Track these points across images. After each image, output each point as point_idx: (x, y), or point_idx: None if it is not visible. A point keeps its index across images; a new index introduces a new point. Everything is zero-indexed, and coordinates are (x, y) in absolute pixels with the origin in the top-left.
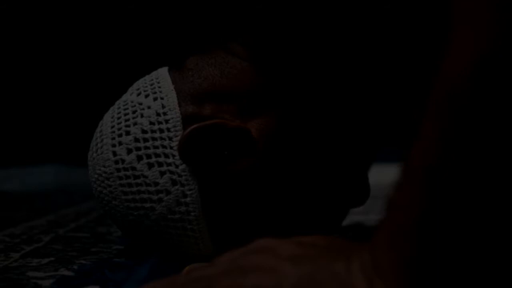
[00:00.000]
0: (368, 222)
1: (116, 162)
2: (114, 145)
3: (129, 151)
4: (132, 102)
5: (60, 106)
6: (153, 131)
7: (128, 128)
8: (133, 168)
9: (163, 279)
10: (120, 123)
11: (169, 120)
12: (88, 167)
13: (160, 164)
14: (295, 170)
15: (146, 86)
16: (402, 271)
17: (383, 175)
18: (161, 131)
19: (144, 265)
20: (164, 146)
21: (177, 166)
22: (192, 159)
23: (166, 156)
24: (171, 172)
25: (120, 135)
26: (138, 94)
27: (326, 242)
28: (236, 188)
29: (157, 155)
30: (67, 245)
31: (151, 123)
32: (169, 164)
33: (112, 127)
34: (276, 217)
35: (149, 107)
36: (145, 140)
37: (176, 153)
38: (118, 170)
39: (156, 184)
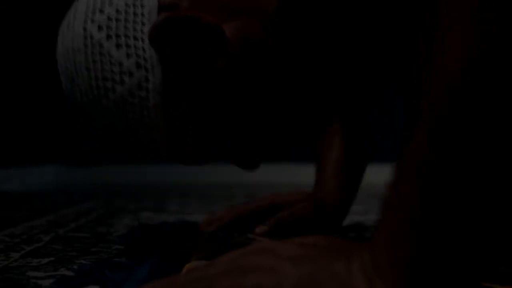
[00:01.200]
0: (368, 222)
1: (85, 38)
2: (86, 21)
3: (100, 29)
4: None
5: (60, 106)
6: (127, 13)
7: (103, 7)
8: (101, 46)
9: (163, 279)
10: (96, 1)
11: (145, 5)
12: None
13: (128, 46)
14: (264, 80)
15: None
16: (401, 271)
17: (382, 175)
18: (135, 15)
19: (144, 265)
20: (135, 30)
21: (145, 51)
22: (161, 48)
23: (136, 39)
24: (138, 56)
25: (94, 13)
26: None
27: (326, 242)
28: (201, 86)
29: (127, 37)
30: (67, 245)
31: (127, 5)
32: (137, 48)
33: (88, 4)
34: (236, 124)
35: None
36: (118, 20)
37: (146, 39)
38: (86, 46)
39: (121, 64)
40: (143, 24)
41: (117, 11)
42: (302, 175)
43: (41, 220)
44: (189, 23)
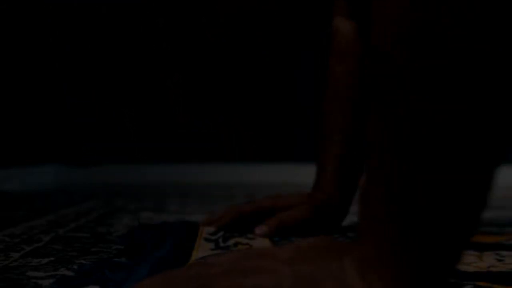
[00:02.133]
0: None
1: None
2: None
3: None
4: None
5: (60, 106)
6: None
7: None
8: None
9: (162, 274)
10: None
11: None
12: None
13: None
14: None
15: None
16: (388, 261)
17: None
18: None
19: (144, 265)
20: None
21: None
22: None
23: None
24: None
25: None
26: None
27: (323, 244)
28: None
29: None
30: (67, 245)
31: None
32: None
33: None
34: None
35: None
36: None
37: None
38: None
39: None
40: None
41: None
42: (302, 175)
43: (41, 220)
44: None
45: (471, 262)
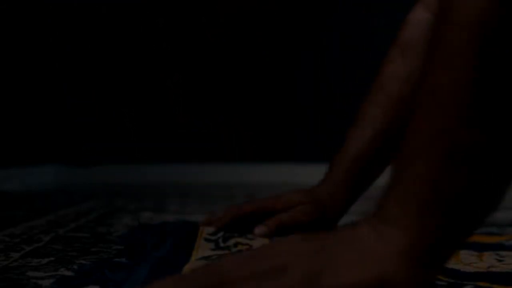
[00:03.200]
0: None
1: None
2: None
3: None
4: None
5: (60, 106)
6: None
7: None
8: None
9: (172, 276)
10: None
11: None
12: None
13: None
14: None
15: None
16: (413, 217)
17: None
18: None
19: (144, 265)
20: None
21: None
22: None
23: None
24: None
25: None
26: None
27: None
28: None
29: None
30: (67, 245)
31: None
32: None
33: None
34: None
35: None
36: None
37: None
38: None
39: None
40: None
41: None
42: (302, 175)
43: (41, 220)
44: None
45: (471, 262)
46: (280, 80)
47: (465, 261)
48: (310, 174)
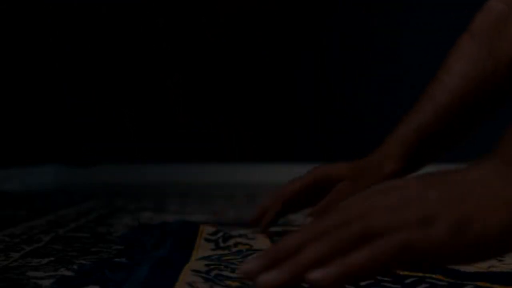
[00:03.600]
0: None
1: None
2: None
3: None
4: None
5: (61, 106)
6: None
7: None
8: None
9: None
10: None
11: None
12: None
13: None
14: None
15: None
16: None
17: None
18: None
19: (144, 265)
20: None
21: None
22: None
23: None
24: None
25: None
26: None
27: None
28: None
29: None
30: (67, 245)
31: None
32: None
33: None
34: None
35: None
36: None
37: None
38: None
39: None
40: None
41: None
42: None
43: (41, 220)
44: None
45: None
46: (280, 80)
47: None
48: None
